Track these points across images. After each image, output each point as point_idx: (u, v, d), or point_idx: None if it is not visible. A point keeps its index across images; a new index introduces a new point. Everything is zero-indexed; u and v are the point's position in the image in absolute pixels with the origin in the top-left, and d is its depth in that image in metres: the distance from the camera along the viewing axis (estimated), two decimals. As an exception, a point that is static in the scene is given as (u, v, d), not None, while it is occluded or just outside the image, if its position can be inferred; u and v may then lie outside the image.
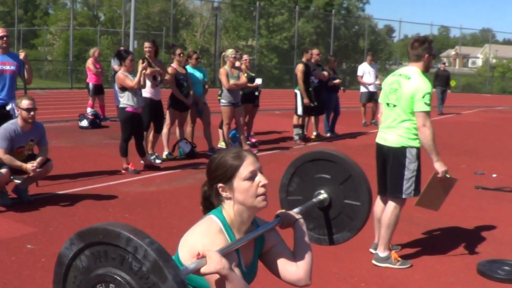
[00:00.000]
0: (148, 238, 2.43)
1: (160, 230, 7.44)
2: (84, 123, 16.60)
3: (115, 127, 13.98)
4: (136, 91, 10.52)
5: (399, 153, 6.45)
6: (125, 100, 10.56)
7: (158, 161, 11.73)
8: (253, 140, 14.82)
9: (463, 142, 16.72)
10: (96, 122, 16.76)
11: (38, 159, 8.38)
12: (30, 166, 8.23)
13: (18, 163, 8.22)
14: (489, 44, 61.55)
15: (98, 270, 2.54)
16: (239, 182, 3.02)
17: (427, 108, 6.22)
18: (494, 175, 11.81)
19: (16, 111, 8.76)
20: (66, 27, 48.68)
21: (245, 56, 14.53)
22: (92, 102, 17.90)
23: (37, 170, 8.29)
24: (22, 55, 9.87)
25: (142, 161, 11.27)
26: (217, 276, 2.72)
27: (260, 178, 3.05)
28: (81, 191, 9.31)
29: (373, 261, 6.71)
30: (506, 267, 6.52)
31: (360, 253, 7.01)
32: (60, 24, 55.15)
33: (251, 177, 3.03)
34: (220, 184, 3.06)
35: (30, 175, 8.38)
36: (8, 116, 9.18)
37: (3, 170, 8.18)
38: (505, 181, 11.15)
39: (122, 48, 17.48)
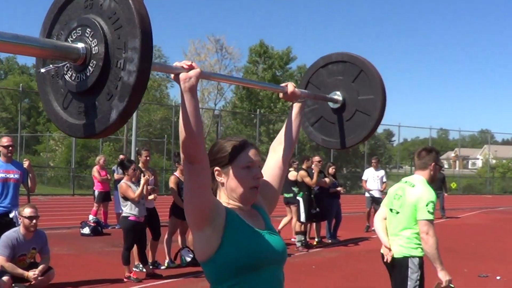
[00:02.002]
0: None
1: None
2: (86, 230, 16.55)
3: (117, 235, 13.95)
4: (138, 200, 10.56)
5: (402, 263, 6.41)
6: (128, 209, 10.59)
7: (162, 267, 11.70)
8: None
9: (466, 245, 16.57)
10: (98, 229, 16.71)
11: (40, 267, 8.37)
12: (32, 274, 8.21)
13: (20, 271, 8.21)
14: (488, 145, 61.94)
15: (99, 20, 2.70)
16: (236, 169, 3.05)
17: (430, 217, 6.19)
18: (498, 278, 11.72)
19: (18, 219, 8.78)
20: (68, 134, 49.05)
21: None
22: (96, 209, 17.91)
23: (39, 278, 8.26)
24: (26, 164, 9.97)
25: (144, 270, 11.21)
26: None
27: (257, 171, 3.08)
28: (82, 300, 9.22)
29: None
30: None
31: None
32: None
33: (249, 168, 3.06)
34: (217, 168, 3.07)
35: (32, 283, 8.34)
36: (11, 223, 9.19)
37: (5, 278, 8.16)
38: (509, 284, 11.07)
39: (124, 156, 17.61)
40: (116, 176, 15.90)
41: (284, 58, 59.56)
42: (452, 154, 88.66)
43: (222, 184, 3.09)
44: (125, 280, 10.63)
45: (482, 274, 12.08)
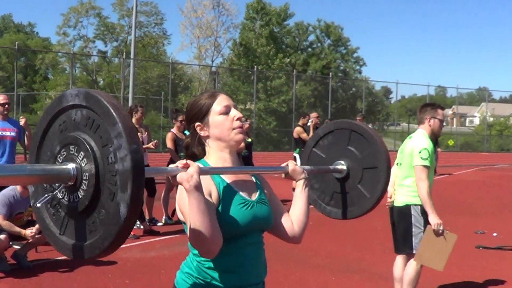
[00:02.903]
0: (136, 145, 2.52)
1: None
2: (84, 188, 16.54)
3: (115, 192, 13.95)
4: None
5: (405, 211, 6.64)
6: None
7: (159, 223, 11.75)
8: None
9: (462, 201, 16.67)
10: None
11: (37, 225, 8.35)
12: (29, 232, 8.20)
13: (17, 229, 8.20)
14: (486, 102, 61.91)
15: (82, 134, 2.68)
16: (214, 117, 3.08)
17: (423, 162, 6.42)
18: (495, 234, 11.76)
19: (15, 177, 8.74)
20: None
21: (248, 121, 14.62)
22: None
23: (36, 236, 8.26)
24: (22, 121, 9.93)
25: (141, 227, 11.24)
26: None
27: (234, 112, 3.10)
28: (80, 257, 9.22)
29: None
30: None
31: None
32: (59, 89, 55.61)
33: (226, 112, 3.09)
34: (197, 123, 3.10)
35: (29, 241, 8.34)
36: (8, 182, 9.17)
37: (2, 236, 8.15)
38: (506, 240, 11.10)
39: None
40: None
41: (281, 14, 59.27)
42: (449, 111, 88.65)
43: (207, 136, 3.12)
44: (122, 237, 10.63)
45: (478, 231, 12.12)
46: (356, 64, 61.20)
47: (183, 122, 12.34)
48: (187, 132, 12.31)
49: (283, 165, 3.46)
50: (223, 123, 3.08)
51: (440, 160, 25.62)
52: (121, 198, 2.46)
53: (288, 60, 55.60)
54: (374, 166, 3.90)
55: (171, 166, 2.80)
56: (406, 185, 6.63)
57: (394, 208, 6.80)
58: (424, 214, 6.52)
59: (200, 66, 58.29)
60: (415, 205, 6.56)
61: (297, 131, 15.16)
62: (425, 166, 6.43)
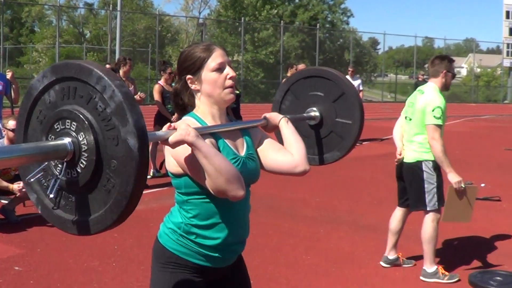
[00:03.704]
0: (119, 81, 2.44)
1: (149, 249, 7.34)
2: (71, 141, 16.48)
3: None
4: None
5: (416, 167, 6.55)
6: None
7: (147, 176, 11.76)
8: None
9: (450, 152, 16.46)
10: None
11: (25, 179, 8.32)
12: (16, 186, 8.16)
13: (4, 183, 8.16)
14: (473, 53, 61.83)
15: (63, 107, 2.56)
16: (207, 73, 3.03)
17: (436, 121, 6.30)
18: (483, 185, 11.79)
19: (2, 131, 8.70)
20: (52, 45, 48.74)
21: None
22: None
23: (23, 190, 8.23)
24: (9, 75, 9.84)
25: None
26: (188, 151, 2.77)
27: (228, 71, 3.07)
28: (68, 210, 9.21)
29: (421, 277, 6.66)
30: (498, 278, 6.48)
31: (351, 269, 6.98)
32: (46, 42, 55.28)
33: (219, 69, 3.05)
34: (188, 76, 3.07)
35: (17, 195, 8.31)
36: (-5, 136, 9.13)
37: (-11, 191, 8.14)
38: (493, 191, 11.15)
39: (110, 65, 17.43)
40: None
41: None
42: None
43: (198, 90, 3.08)
44: (111, 190, 10.63)
45: (467, 182, 12.14)
46: (344, 15, 60.91)
47: (171, 74, 12.27)
48: (174, 84, 12.23)
49: (260, 119, 3.44)
50: (215, 80, 3.04)
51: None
52: (126, 132, 2.39)
53: (276, 11, 55.25)
54: (342, 136, 3.93)
55: (160, 131, 2.72)
56: (417, 141, 6.53)
57: (404, 164, 6.69)
58: (436, 169, 6.49)
59: (187, 17, 57.97)
60: (427, 160, 6.47)
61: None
62: (438, 125, 6.33)
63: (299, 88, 4.09)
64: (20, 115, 2.79)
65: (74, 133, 2.51)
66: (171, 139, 2.66)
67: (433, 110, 6.31)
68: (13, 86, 9.87)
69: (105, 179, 2.48)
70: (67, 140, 2.51)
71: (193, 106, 3.14)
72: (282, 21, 47.36)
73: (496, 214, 9.56)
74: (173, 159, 2.92)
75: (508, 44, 50.67)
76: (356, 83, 18.53)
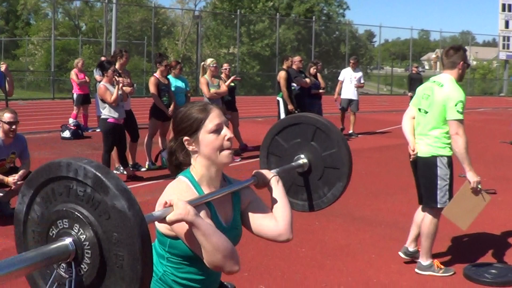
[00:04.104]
0: (86, 159, 2.44)
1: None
2: (66, 134, 16.48)
3: (98, 138, 13.90)
4: (116, 104, 10.47)
5: (430, 163, 6.44)
6: (107, 111, 10.51)
7: (142, 169, 11.80)
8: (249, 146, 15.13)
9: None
10: (78, 133, 16.65)
11: (20, 172, 8.32)
12: (11, 179, 8.16)
13: (0, 176, 8.16)
14: (469, 46, 61.80)
15: (50, 212, 2.54)
16: (204, 135, 3.00)
17: (460, 116, 6.18)
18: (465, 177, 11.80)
19: (-2, 123, 8.68)
20: (47, 37, 48.63)
21: (225, 65, 14.53)
22: (76, 113, 17.83)
23: (19, 183, 8.22)
24: (3, 67, 9.83)
25: (124, 172, 11.22)
26: (186, 227, 2.72)
27: (225, 132, 3.03)
28: (64, 203, 9.20)
29: (416, 270, 6.67)
30: (493, 270, 6.51)
31: (345, 261, 6.99)
32: (42, 34, 55.18)
33: (217, 130, 3.01)
34: (185, 137, 3.03)
35: (12, 188, 8.30)
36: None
37: (-16, 184, 8.13)
38: (488, 183, 11.13)
39: (104, 58, 17.41)
40: (98, 77, 15.77)
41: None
42: (433, 55, 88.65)
43: (195, 152, 3.05)
44: (106, 183, 10.61)
45: (461, 174, 12.14)
46: (340, 7, 60.78)
47: (166, 66, 12.27)
48: (170, 77, 12.23)
49: (250, 178, 3.38)
50: (213, 142, 3.01)
51: (423, 104, 25.57)
52: (111, 198, 2.35)
53: (271, 3, 55.17)
54: (335, 167, 3.90)
55: (155, 211, 2.70)
56: (433, 135, 6.39)
57: (418, 159, 6.57)
58: (450, 166, 6.44)
59: (183, 10, 57.84)
60: (442, 156, 6.39)
61: (280, 75, 15.05)
62: (462, 120, 6.21)
63: (277, 147, 4.07)
64: (17, 245, 2.76)
65: (69, 230, 2.48)
66: (170, 218, 2.63)
67: (455, 105, 6.17)
68: (7, 78, 9.86)
69: (113, 256, 2.43)
70: (67, 240, 2.47)
71: (188, 164, 3.12)
72: (278, 14, 47.31)
73: (492, 207, 9.53)
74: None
75: (504, 37, 50.52)
76: (357, 75, 18.47)
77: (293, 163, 3.91)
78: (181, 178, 3.06)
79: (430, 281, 6.39)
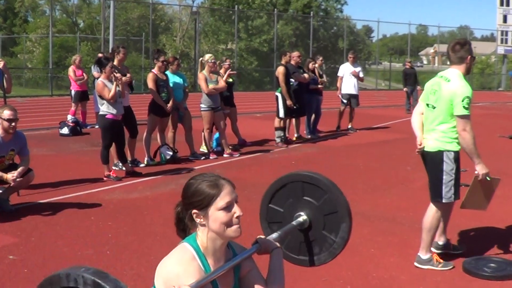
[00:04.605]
0: (84, 267, 2.54)
1: (144, 237, 7.39)
2: (65, 130, 16.48)
3: (96, 134, 13.90)
4: (115, 101, 10.46)
5: (437, 157, 6.45)
6: (105, 108, 10.50)
7: (141, 165, 11.81)
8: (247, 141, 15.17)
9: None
10: (77, 129, 16.64)
11: (19, 169, 8.32)
12: (10, 176, 8.17)
13: (-1, 173, 8.17)
14: (467, 41, 61.69)
15: None
16: (214, 212, 3.01)
17: (466, 112, 6.22)
18: (477, 172, 11.79)
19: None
20: (45, 34, 48.55)
21: (227, 61, 14.57)
22: (74, 109, 17.80)
23: (18, 180, 8.23)
24: (1, 64, 9.81)
25: (123, 168, 11.22)
26: None
27: (236, 210, 3.05)
28: (63, 199, 9.23)
29: (415, 263, 6.68)
30: (492, 264, 6.51)
31: (345, 256, 6.97)
32: (40, 32, 55.16)
33: (227, 208, 3.03)
34: (195, 211, 3.06)
35: (11, 185, 8.31)
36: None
37: (-17, 181, 8.13)
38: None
39: (102, 54, 17.39)
40: (96, 74, 15.77)
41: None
42: (431, 50, 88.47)
43: (203, 225, 3.07)
44: (104, 179, 10.63)
45: (461, 169, 12.15)
46: (337, 3, 60.70)
47: (164, 62, 12.27)
48: (168, 72, 12.22)
49: (253, 242, 3.43)
50: (223, 219, 3.02)
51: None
52: None
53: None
54: (334, 211, 3.89)
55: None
56: (440, 130, 6.41)
57: (425, 153, 6.59)
58: (456, 161, 6.46)
59: (181, 6, 57.71)
60: (448, 151, 6.40)
61: (279, 71, 15.03)
62: (468, 116, 6.27)
63: (274, 215, 4.07)
64: None
65: None
66: None
67: (462, 100, 6.19)
68: (5, 75, 9.83)
69: None
70: None
71: (194, 227, 3.15)
72: (275, 9, 47.22)
73: (491, 201, 9.56)
74: None
75: (502, 32, 50.47)
76: (357, 69, 18.39)
77: (293, 222, 3.90)
78: (186, 247, 3.07)
79: (429, 275, 6.39)
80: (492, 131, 19.19)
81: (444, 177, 6.42)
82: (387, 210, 8.94)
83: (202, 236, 3.08)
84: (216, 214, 3.01)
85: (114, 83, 10.38)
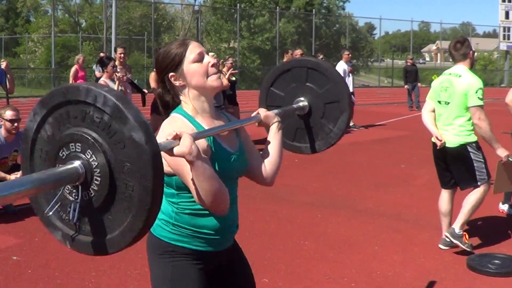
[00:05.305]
0: (107, 87, 2.44)
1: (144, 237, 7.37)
2: (68, 130, 16.46)
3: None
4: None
5: (462, 151, 6.75)
6: (108, 107, 10.50)
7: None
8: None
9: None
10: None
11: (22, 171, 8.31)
12: (13, 177, 8.17)
13: (2, 174, 8.16)
14: (469, 37, 61.73)
15: (62, 134, 2.53)
16: (188, 66, 3.00)
17: (481, 103, 6.57)
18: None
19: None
20: (47, 34, 48.68)
21: (230, 59, 14.57)
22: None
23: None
24: (3, 64, 9.83)
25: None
26: (182, 163, 2.74)
27: (208, 59, 3.04)
28: (66, 199, 9.21)
29: (447, 234, 6.88)
30: (496, 261, 6.50)
31: (349, 253, 6.99)
32: (42, 32, 55.25)
33: (200, 59, 3.02)
34: (171, 74, 3.04)
35: (14, 186, 8.29)
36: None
37: (-13, 182, 8.12)
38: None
39: (104, 54, 17.42)
40: (98, 74, 15.79)
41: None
42: (433, 47, 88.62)
43: (183, 86, 3.06)
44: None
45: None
46: (339, 0, 60.82)
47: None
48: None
49: (254, 114, 3.44)
50: (198, 70, 3.01)
51: (424, 95, 25.59)
52: (129, 129, 2.36)
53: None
54: (335, 101, 3.90)
55: (160, 140, 2.64)
56: (458, 124, 6.71)
57: (447, 149, 6.82)
58: (479, 148, 6.77)
59: (183, 5, 57.80)
60: (470, 143, 6.71)
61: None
62: (482, 106, 6.58)
63: (274, 99, 4.09)
64: (22, 160, 2.73)
65: (81, 154, 2.46)
66: (176, 151, 2.63)
67: (476, 92, 6.56)
68: (8, 76, 9.85)
69: (123, 185, 2.43)
70: (76, 163, 2.45)
71: (177, 105, 3.13)
72: (277, 7, 47.30)
73: (494, 198, 9.54)
74: (166, 161, 2.81)
75: (504, 28, 50.43)
76: (349, 67, 18.40)
77: (293, 105, 3.93)
78: (174, 116, 3.06)
79: (433, 272, 6.39)
80: (495, 127, 19.02)
81: (475, 165, 6.73)
82: (391, 207, 8.93)
83: (185, 100, 3.08)
84: (191, 68, 3.00)
85: (116, 82, 10.39)
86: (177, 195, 3.01)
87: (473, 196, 6.81)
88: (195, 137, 2.72)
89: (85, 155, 2.45)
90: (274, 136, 3.41)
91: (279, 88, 4.06)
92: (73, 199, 2.52)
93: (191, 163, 2.65)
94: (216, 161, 2.94)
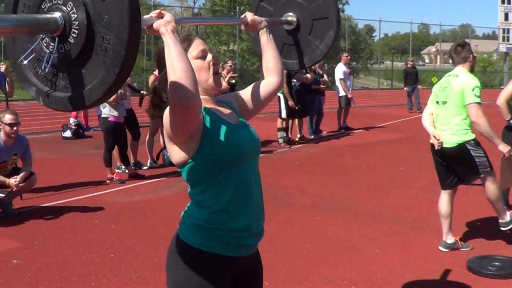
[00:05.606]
0: None
1: (147, 240, 7.38)
2: (68, 133, 16.48)
3: (99, 137, 13.88)
4: (118, 101, 10.47)
5: (461, 150, 6.79)
6: (107, 110, 10.51)
7: (144, 167, 11.81)
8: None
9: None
10: (79, 133, 16.66)
11: (22, 174, 8.31)
12: (13, 181, 8.16)
13: (1, 178, 8.16)
14: (469, 39, 61.74)
15: None
16: (191, 61, 2.92)
17: (478, 100, 6.63)
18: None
19: (-1, 125, 8.69)
20: (46, 38, 48.59)
21: (229, 62, 14.59)
22: (76, 112, 17.79)
23: (20, 185, 8.22)
24: (3, 68, 9.83)
25: (126, 171, 11.22)
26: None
27: (210, 57, 3.05)
28: (65, 203, 9.23)
29: (442, 249, 7.02)
30: (496, 263, 6.50)
31: (349, 256, 6.98)
32: (41, 35, 55.19)
33: (202, 56, 3.04)
34: None
35: (14, 189, 8.30)
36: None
37: (-14, 185, 8.12)
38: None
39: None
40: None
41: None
42: (433, 48, 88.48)
43: None
44: (107, 182, 10.63)
45: None
46: (339, 2, 60.86)
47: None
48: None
49: (241, 16, 3.50)
50: (201, 67, 3.01)
51: (424, 97, 25.59)
52: (110, 65, 2.40)
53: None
54: (324, 17, 3.93)
55: (145, 16, 2.74)
56: (455, 123, 6.76)
57: (446, 149, 6.85)
58: (478, 144, 6.80)
59: (182, 7, 57.85)
60: (468, 141, 6.75)
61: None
62: (479, 103, 6.63)
63: (265, 7, 4.12)
64: (5, 11, 2.74)
65: (62, 6, 2.49)
66: (155, 24, 2.73)
67: (472, 90, 6.63)
68: (8, 79, 9.84)
69: (100, 38, 2.45)
70: (57, 14, 2.49)
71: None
72: (277, 10, 47.29)
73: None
74: (164, 122, 2.85)
75: (503, 29, 50.40)
76: (348, 69, 18.46)
77: (281, 18, 3.97)
78: None
79: (433, 274, 6.38)
80: (495, 129, 19.12)
81: (477, 160, 6.78)
82: (390, 210, 8.92)
83: None
84: (193, 64, 2.93)
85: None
86: (201, 192, 2.99)
87: (489, 194, 6.88)
88: (178, 20, 2.83)
89: (66, 7, 2.48)
90: (267, 43, 3.49)
91: (268, 2, 4.10)
92: (48, 51, 2.56)
93: (164, 35, 2.71)
94: (223, 135, 2.92)
